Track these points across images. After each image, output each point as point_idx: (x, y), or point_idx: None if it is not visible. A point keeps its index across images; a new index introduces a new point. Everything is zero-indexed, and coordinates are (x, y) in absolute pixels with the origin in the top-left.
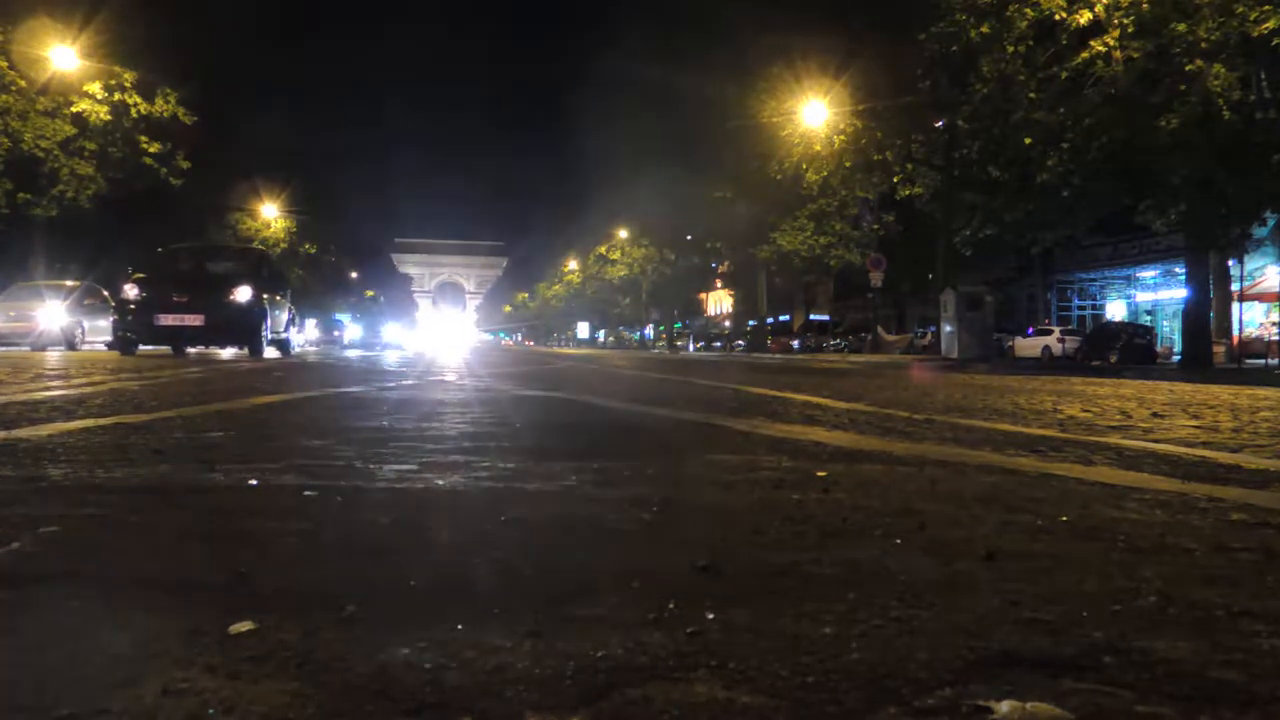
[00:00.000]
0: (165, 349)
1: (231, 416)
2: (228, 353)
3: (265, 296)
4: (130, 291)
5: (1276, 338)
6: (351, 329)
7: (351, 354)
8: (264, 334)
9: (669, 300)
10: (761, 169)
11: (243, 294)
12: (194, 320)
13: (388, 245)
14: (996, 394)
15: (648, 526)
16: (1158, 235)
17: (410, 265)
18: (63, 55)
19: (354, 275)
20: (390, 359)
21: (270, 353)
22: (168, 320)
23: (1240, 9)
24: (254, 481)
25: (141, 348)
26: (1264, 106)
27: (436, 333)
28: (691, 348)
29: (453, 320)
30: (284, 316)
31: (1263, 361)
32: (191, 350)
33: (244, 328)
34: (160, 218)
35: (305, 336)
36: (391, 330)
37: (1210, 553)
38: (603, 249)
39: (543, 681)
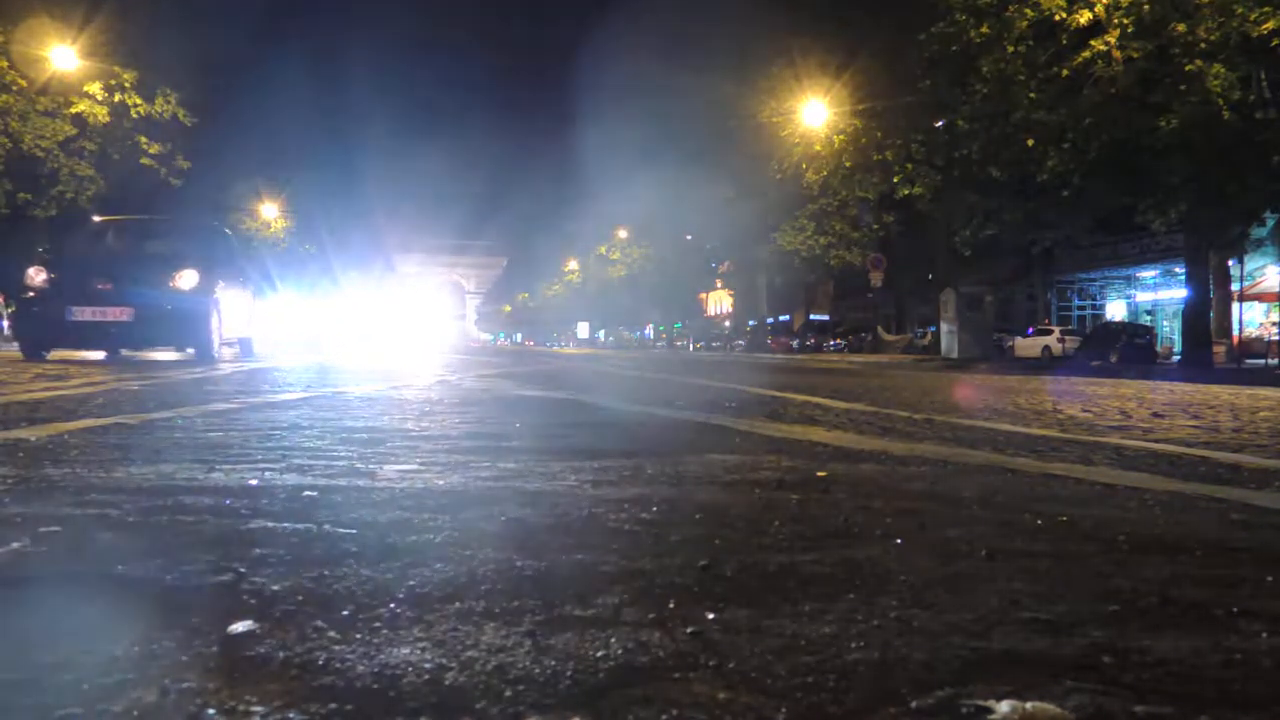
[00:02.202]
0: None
1: (232, 416)
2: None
3: (219, 284)
4: (35, 277)
5: (1276, 338)
6: None
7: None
8: (214, 332)
9: (669, 300)
10: (761, 169)
11: (187, 280)
12: (120, 314)
13: (388, 245)
14: (996, 394)
15: (648, 526)
16: (1158, 235)
17: (410, 265)
18: (63, 55)
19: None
20: None
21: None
22: (85, 315)
23: (1240, 9)
24: (254, 481)
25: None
26: (1264, 106)
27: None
28: (691, 347)
29: (423, 310)
30: (245, 310)
31: (1263, 361)
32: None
33: (187, 324)
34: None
35: None
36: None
37: (1210, 553)
38: (603, 249)
39: (543, 681)
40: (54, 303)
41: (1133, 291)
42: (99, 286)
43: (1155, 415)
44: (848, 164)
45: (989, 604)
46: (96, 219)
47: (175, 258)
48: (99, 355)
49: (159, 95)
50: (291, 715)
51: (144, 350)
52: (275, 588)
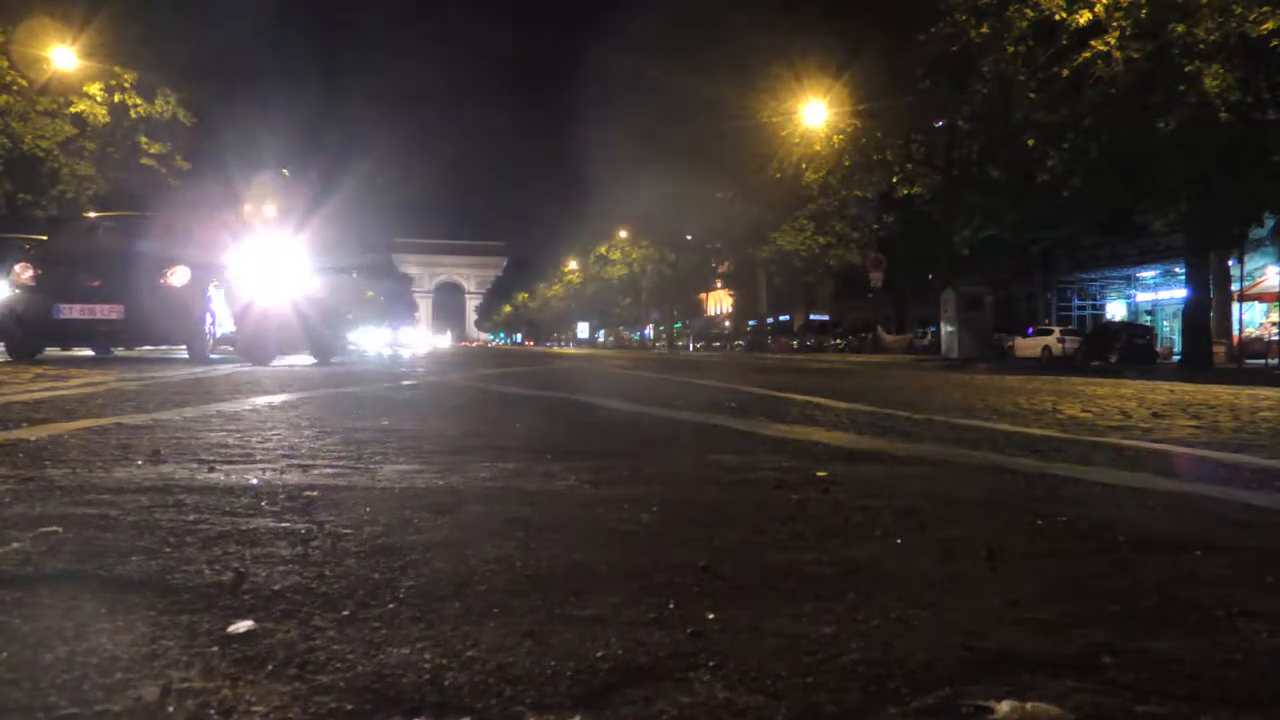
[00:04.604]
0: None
1: (231, 416)
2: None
3: (213, 281)
4: (23, 274)
5: (1276, 338)
6: None
7: None
8: (208, 329)
9: (669, 300)
10: (761, 169)
11: (179, 277)
12: (109, 312)
13: (387, 244)
14: (996, 394)
15: (648, 526)
16: (1158, 235)
17: (410, 265)
18: (63, 55)
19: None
20: None
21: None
22: (73, 312)
23: (1239, 9)
24: (254, 481)
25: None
26: (1263, 107)
27: None
28: (691, 348)
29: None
30: (241, 308)
31: (1263, 361)
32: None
33: (180, 322)
34: None
35: None
36: None
37: (1210, 553)
38: (603, 249)
39: (543, 681)
40: (40, 300)
41: (1133, 291)
42: (88, 283)
43: (1155, 415)
44: (848, 164)
45: (989, 604)
46: (92, 216)
47: (167, 255)
48: (88, 354)
49: (159, 95)
50: (291, 715)
51: (135, 348)
52: (275, 587)
